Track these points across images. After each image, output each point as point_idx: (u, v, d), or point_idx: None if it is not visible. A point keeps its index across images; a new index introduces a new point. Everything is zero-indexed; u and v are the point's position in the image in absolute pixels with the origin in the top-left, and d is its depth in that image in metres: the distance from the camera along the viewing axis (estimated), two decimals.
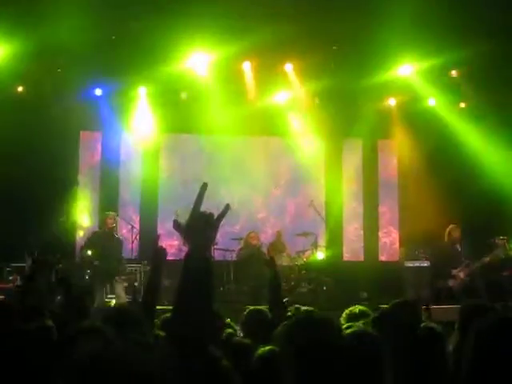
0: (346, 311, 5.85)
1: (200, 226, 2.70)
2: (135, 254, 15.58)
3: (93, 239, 13.24)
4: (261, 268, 13.44)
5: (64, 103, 15.76)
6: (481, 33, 13.89)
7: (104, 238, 13.02)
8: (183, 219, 2.77)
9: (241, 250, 15.66)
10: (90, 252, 12.98)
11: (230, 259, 15.86)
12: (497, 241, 13.74)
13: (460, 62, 15.24)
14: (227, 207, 2.83)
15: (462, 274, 13.42)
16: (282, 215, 18.07)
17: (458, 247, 13.75)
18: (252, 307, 6.47)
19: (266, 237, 16.79)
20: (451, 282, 13.46)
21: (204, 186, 2.77)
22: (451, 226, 13.83)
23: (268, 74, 16.44)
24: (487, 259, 13.39)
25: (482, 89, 15.94)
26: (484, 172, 15.95)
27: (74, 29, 13.20)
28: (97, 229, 14.50)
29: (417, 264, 15.72)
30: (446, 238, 13.82)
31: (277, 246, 16.20)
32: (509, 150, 15.48)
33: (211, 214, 2.75)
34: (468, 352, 2.93)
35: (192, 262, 2.61)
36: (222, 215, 2.78)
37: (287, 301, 10.41)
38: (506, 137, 15.62)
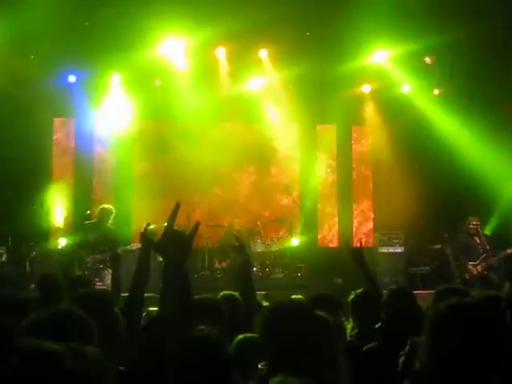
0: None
1: (174, 245, 2.81)
2: None
3: (80, 236, 13.11)
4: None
5: (37, 90, 15.62)
6: (455, 19, 13.93)
7: (95, 231, 12.91)
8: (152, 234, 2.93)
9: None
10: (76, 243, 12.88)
11: (204, 246, 15.86)
12: (470, 225, 13.79)
13: (434, 49, 15.29)
14: (197, 225, 2.94)
15: (479, 268, 13.43)
16: (256, 201, 18.04)
17: (477, 239, 13.75)
18: (225, 292, 6.47)
19: (241, 222, 16.79)
20: (467, 275, 13.47)
21: (177, 206, 2.87)
22: (469, 217, 13.83)
23: (242, 60, 16.43)
24: (509, 252, 13.38)
25: (455, 75, 16.00)
26: (457, 157, 16.01)
27: (47, 15, 13.07)
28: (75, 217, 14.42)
29: (391, 250, 15.81)
30: (465, 229, 13.83)
31: (253, 232, 16.21)
32: (482, 135, 15.55)
33: (183, 233, 2.86)
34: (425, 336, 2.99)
35: (170, 277, 2.74)
36: (192, 234, 2.89)
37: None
38: (478, 123, 15.69)
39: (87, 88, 16.49)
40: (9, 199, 15.00)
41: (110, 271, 12.86)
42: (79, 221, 14.59)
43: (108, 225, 12.92)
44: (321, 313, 3.63)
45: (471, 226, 13.70)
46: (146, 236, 2.96)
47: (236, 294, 6.08)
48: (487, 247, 13.59)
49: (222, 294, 6.20)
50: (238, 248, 6.34)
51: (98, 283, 12.65)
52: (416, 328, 4.69)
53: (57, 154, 17.15)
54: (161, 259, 2.92)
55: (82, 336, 2.91)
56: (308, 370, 3.08)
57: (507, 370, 2.70)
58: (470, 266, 13.43)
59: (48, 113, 16.40)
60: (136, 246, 13.13)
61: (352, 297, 6.21)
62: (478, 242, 13.65)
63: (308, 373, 3.03)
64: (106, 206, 13.36)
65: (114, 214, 13.08)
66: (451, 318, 2.93)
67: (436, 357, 2.89)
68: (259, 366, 3.38)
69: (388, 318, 5.28)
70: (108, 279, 12.71)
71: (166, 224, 2.88)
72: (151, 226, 11.41)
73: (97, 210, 13.33)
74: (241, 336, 4.43)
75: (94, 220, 13.24)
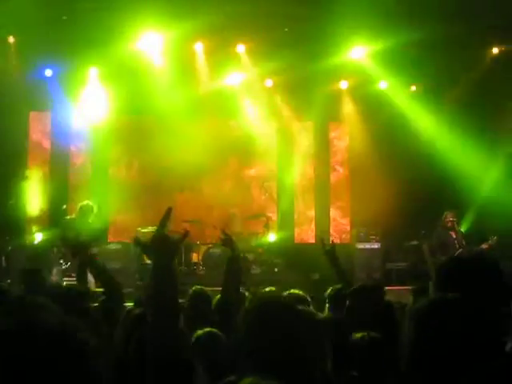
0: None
1: (162, 247, 2.92)
2: None
3: (61, 231, 13.03)
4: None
5: (13, 83, 15.51)
6: (432, 15, 14.00)
7: (75, 226, 12.83)
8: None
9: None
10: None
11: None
12: (447, 220, 13.87)
13: (411, 45, 15.33)
14: (186, 233, 3.08)
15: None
16: (233, 197, 18.02)
17: (453, 234, 13.80)
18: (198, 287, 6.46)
19: (218, 218, 16.81)
20: None
21: (169, 210, 2.98)
22: (445, 213, 13.89)
23: (220, 55, 16.41)
24: (484, 247, 13.44)
25: (432, 71, 16.05)
26: (435, 153, 16.10)
27: (25, 8, 13.00)
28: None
29: (368, 246, 15.87)
30: (441, 224, 13.88)
31: (230, 227, 16.18)
32: (459, 131, 15.64)
33: (171, 237, 2.97)
34: (409, 333, 2.99)
35: (158, 278, 2.83)
36: (180, 239, 3.02)
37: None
38: (456, 119, 15.79)
39: (64, 82, 16.38)
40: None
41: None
42: (56, 216, 14.53)
43: (90, 221, 12.89)
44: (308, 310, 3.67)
45: (447, 221, 13.77)
46: (137, 239, 3.04)
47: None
48: (463, 243, 13.67)
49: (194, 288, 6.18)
50: (226, 241, 6.21)
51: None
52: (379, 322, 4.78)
53: (32, 148, 17.06)
54: (149, 261, 3.08)
55: None
56: (291, 371, 3.07)
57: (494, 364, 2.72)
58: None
59: (24, 106, 16.28)
60: (115, 245, 13.15)
61: (329, 292, 6.24)
62: (455, 237, 13.73)
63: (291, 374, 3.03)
64: (87, 202, 13.32)
65: (95, 211, 13.05)
66: (437, 314, 2.94)
67: (422, 355, 2.90)
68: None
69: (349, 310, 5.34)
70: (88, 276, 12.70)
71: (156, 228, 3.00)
72: (144, 230, 11.44)
73: (78, 206, 13.27)
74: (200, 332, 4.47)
75: (74, 216, 13.19)
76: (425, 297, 3.21)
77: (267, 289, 6.38)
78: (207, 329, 4.66)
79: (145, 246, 3.04)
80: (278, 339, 3.08)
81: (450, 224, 13.80)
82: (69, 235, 12.27)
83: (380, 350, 4.40)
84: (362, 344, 4.42)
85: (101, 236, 13.15)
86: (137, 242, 3.11)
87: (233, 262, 5.91)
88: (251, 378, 2.34)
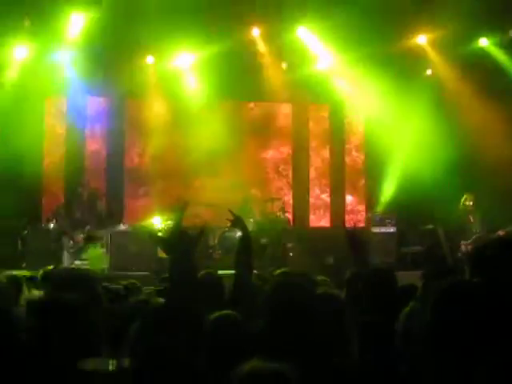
0: None
1: (181, 243, 2.87)
2: None
3: (66, 212, 13.05)
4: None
5: (29, 67, 15.53)
6: None
7: (80, 207, 12.87)
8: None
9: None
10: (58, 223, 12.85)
11: (197, 224, 15.85)
12: (466, 203, 13.82)
13: None
14: (203, 229, 3.04)
15: (470, 248, 13.41)
16: (249, 181, 17.99)
17: (471, 217, 13.75)
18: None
19: (230, 202, 16.81)
20: (461, 254, 13.47)
21: (185, 205, 2.95)
22: (464, 196, 13.84)
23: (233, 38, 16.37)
24: (501, 234, 13.35)
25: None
26: (449, 137, 16.02)
27: None
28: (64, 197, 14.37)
29: (383, 230, 15.83)
30: (460, 207, 13.82)
31: (243, 211, 16.18)
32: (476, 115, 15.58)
33: (189, 234, 2.92)
34: (427, 315, 2.99)
35: (176, 274, 2.81)
36: (199, 236, 2.97)
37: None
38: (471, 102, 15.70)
39: (79, 66, 16.34)
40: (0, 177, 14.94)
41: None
42: (70, 199, 14.60)
43: (98, 205, 12.93)
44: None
45: (467, 204, 13.71)
46: (151, 234, 3.04)
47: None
48: (480, 227, 13.62)
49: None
50: (235, 221, 6.16)
51: (78, 262, 12.73)
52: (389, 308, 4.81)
53: (48, 132, 17.05)
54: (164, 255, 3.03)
55: None
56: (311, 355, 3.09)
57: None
58: (463, 246, 13.45)
59: (39, 91, 16.25)
60: (125, 226, 13.18)
61: (348, 276, 6.23)
62: (472, 220, 13.67)
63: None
64: (84, 182, 13.36)
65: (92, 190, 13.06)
66: (456, 296, 2.94)
67: (439, 336, 2.90)
68: None
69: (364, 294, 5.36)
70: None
71: (170, 222, 2.98)
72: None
73: (87, 191, 13.28)
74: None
75: (84, 199, 13.21)
76: (435, 281, 3.20)
77: (278, 271, 6.34)
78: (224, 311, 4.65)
79: (161, 242, 2.99)
80: (298, 321, 3.10)
81: (468, 206, 13.74)
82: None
83: (384, 334, 4.42)
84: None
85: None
86: (152, 237, 3.08)
87: (243, 243, 5.87)
88: (256, 361, 2.35)
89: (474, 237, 13.43)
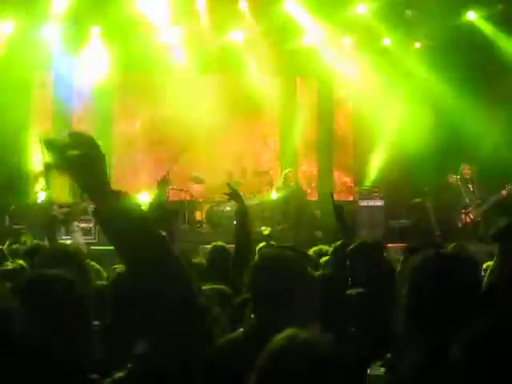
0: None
1: (165, 218, 2.82)
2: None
3: (47, 188, 12.90)
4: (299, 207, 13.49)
5: (17, 42, 15.44)
6: None
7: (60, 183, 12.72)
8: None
9: (278, 189, 15.58)
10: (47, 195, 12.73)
11: (184, 199, 15.90)
12: (450, 179, 13.87)
13: (415, 1, 15.21)
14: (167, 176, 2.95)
15: (472, 215, 13.46)
16: (236, 154, 18.00)
17: (471, 187, 13.78)
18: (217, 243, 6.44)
19: (218, 176, 16.86)
20: (460, 224, 13.53)
21: (166, 182, 2.86)
22: (461, 166, 13.86)
23: (223, 12, 16.27)
24: (496, 199, 13.38)
25: (436, 29, 15.93)
26: (438, 111, 16.02)
27: None
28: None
29: (371, 203, 15.85)
30: (457, 177, 13.84)
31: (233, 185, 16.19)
32: (462, 88, 15.54)
33: (173, 207, 2.87)
34: (405, 287, 3.01)
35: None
36: (177, 213, 2.93)
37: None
38: (458, 76, 15.68)
39: (66, 39, 16.24)
40: None
41: (78, 226, 12.93)
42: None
43: None
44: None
45: (465, 173, 13.75)
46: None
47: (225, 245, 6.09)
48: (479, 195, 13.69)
49: (212, 244, 6.18)
50: (233, 195, 6.25)
51: (65, 237, 12.66)
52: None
53: (35, 105, 16.98)
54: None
55: None
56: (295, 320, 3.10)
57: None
58: (463, 214, 13.50)
59: (27, 65, 16.15)
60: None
61: (331, 249, 6.27)
62: (472, 189, 13.71)
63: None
64: None
65: None
66: (432, 267, 2.96)
67: (417, 312, 2.92)
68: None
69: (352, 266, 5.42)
70: (77, 234, 12.70)
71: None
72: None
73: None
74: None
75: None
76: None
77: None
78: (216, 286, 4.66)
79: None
80: (280, 290, 3.12)
81: (467, 176, 13.79)
82: None
83: (372, 306, 4.46)
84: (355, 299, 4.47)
85: None
86: None
87: (241, 215, 5.95)
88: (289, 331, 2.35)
89: (474, 204, 13.48)
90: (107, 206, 2.42)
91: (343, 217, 6.42)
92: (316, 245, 7.78)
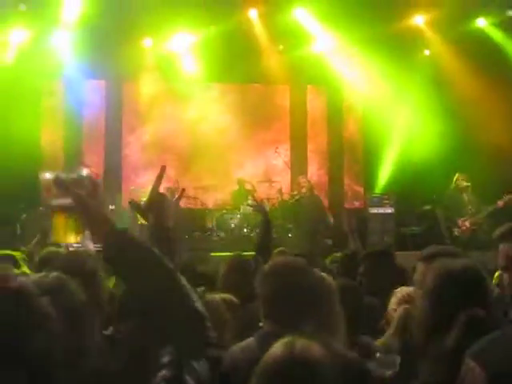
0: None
1: (159, 207, 2.76)
2: None
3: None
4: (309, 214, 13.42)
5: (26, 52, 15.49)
6: None
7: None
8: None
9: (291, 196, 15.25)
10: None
11: (194, 206, 15.91)
12: (459, 182, 13.84)
13: None
14: (182, 192, 2.94)
15: (467, 223, 13.43)
16: (246, 161, 18.04)
17: (465, 196, 13.75)
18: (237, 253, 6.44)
19: (229, 184, 16.91)
20: (457, 232, 13.50)
21: (163, 169, 2.83)
22: (457, 175, 13.82)
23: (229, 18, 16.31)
24: (494, 208, 13.35)
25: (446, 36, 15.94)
26: (449, 117, 16.03)
27: None
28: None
29: (381, 211, 15.83)
30: (452, 186, 13.82)
31: (239, 194, 16.22)
32: (472, 95, 15.54)
33: (166, 196, 2.82)
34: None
35: (155, 239, 2.68)
36: (178, 199, 2.90)
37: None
38: (468, 82, 15.67)
39: (76, 47, 16.26)
40: None
41: (88, 231, 12.90)
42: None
43: None
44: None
45: (459, 183, 13.71)
46: (133, 201, 2.87)
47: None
48: (475, 204, 13.65)
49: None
50: (258, 207, 6.33)
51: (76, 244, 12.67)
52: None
53: (46, 113, 17.00)
54: (142, 220, 2.86)
55: None
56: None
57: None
58: (460, 222, 13.48)
59: (37, 74, 16.19)
60: (110, 207, 13.15)
61: (340, 255, 6.29)
62: (466, 198, 13.68)
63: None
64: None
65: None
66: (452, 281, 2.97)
67: (436, 321, 2.92)
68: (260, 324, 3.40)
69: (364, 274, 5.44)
70: (87, 240, 12.69)
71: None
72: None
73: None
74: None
75: None
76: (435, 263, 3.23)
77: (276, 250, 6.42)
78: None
79: (141, 207, 2.87)
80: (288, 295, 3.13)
81: (463, 185, 13.74)
82: None
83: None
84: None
85: None
86: (133, 204, 2.95)
87: (264, 227, 6.02)
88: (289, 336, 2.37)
89: (470, 213, 13.46)
90: (112, 242, 2.50)
91: (352, 225, 6.45)
92: (326, 253, 7.79)
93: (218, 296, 4.43)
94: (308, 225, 13.61)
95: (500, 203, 13.27)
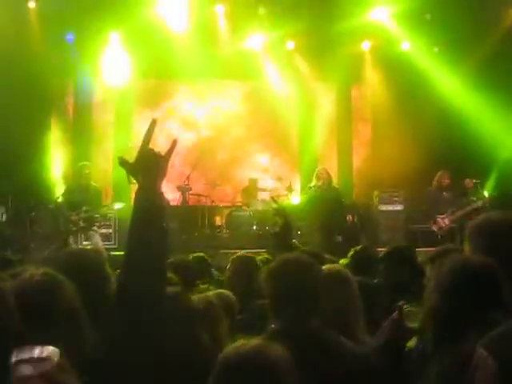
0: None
1: (149, 163, 2.58)
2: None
3: (65, 195, 12.91)
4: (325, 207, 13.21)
5: (34, 50, 15.48)
6: None
7: (79, 189, 12.75)
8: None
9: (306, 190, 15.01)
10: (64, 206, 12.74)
11: (204, 204, 15.90)
12: (467, 183, 13.78)
13: (434, 5, 15.17)
14: (174, 142, 2.69)
15: (446, 221, 13.38)
16: (256, 159, 18.05)
17: (445, 194, 13.69)
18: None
19: (239, 181, 16.92)
20: (435, 227, 13.45)
21: (153, 122, 2.64)
22: (440, 172, 13.75)
23: (241, 17, 16.30)
24: (473, 207, 13.30)
25: (455, 32, 15.87)
26: (457, 114, 15.97)
27: None
28: (71, 179, 14.29)
29: (391, 208, 15.82)
30: (434, 184, 13.76)
31: (249, 191, 16.23)
32: (482, 93, 15.47)
33: (159, 152, 2.63)
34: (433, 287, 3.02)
35: (143, 200, 2.56)
36: (170, 151, 2.65)
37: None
38: (479, 80, 15.62)
39: (85, 46, 16.28)
40: (8, 159, 14.90)
41: (97, 230, 12.95)
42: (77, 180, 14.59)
43: (92, 183, 12.81)
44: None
45: (443, 181, 13.63)
46: (122, 159, 2.61)
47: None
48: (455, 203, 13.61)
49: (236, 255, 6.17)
50: (279, 210, 6.29)
51: (85, 242, 12.69)
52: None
53: (55, 113, 17.03)
54: (133, 181, 2.64)
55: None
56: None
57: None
58: (439, 219, 13.41)
59: (46, 72, 16.20)
60: (119, 205, 13.16)
61: (351, 253, 6.27)
62: (446, 196, 13.60)
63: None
64: (81, 163, 13.25)
65: (90, 171, 12.88)
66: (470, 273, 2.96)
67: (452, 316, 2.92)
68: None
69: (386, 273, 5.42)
70: (96, 238, 12.73)
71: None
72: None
73: (81, 169, 13.06)
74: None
75: (76, 179, 13.09)
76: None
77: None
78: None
79: (130, 165, 2.65)
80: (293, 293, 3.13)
81: (445, 184, 13.67)
82: None
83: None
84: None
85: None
86: (122, 161, 2.69)
87: (284, 231, 5.99)
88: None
89: (449, 211, 13.37)
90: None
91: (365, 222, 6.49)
92: (336, 249, 7.77)
93: (211, 293, 4.43)
94: (323, 220, 13.37)
95: (479, 203, 13.24)
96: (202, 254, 7.10)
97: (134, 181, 2.61)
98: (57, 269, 2.85)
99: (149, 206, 2.54)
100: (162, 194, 2.61)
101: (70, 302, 2.64)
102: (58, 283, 2.68)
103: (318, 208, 13.33)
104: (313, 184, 13.58)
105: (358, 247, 6.32)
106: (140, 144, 2.62)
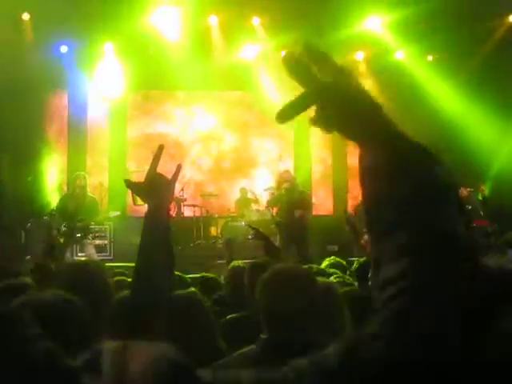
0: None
1: (157, 186, 2.72)
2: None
3: (60, 205, 12.83)
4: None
5: (28, 61, 15.48)
6: None
7: (74, 199, 12.66)
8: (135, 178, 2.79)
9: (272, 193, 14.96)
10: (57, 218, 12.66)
11: (198, 215, 15.90)
12: (461, 191, 13.81)
13: (427, 14, 15.20)
14: (179, 168, 2.86)
15: None
16: (250, 169, 18.06)
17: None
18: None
19: (233, 192, 16.93)
20: None
21: (160, 148, 2.80)
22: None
23: (235, 28, 16.33)
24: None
25: (449, 41, 15.91)
26: (452, 124, 16.00)
27: None
28: (66, 190, 14.27)
29: None
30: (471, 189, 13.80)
31: (242, 202, 16.20)
32: (476, 101, 15.51)
33: (165, 176, 2.78)
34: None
35: (152, 222, 2.70)
36: (175, 175, 2.82)
37: None
38: (473, 89, 15.66)
39: (79, 58, 16.31)
40: (3, 169, 14.90)
41: (91, 241, 12.88)
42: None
43: (88, 193, 12.73)
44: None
45: None
46: (128, 181, 2.75)
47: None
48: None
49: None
50: (257, 234, 6.27)
51: (80, 254, 12.63)
52: None
53: (50, 125, 17.04)
54: (141, 202, 2.81)
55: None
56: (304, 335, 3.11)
57: None
58: None
59: (41, 84, 16.23)
60: (115, 213, 13.14)
61: (356, 266, 6.25)
62: None
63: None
64: (76, 173, 13.17)
65: (86, 181, 12.78)
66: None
67: None
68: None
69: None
70: (90, 250, 12.67)
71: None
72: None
73: (76, 179, 12.99)
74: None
75: (71, 189, 13.02)
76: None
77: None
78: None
79: (137, 187, 2.80)
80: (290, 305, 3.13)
81: (465, 196, 13.70)
82: None
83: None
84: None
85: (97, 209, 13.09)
86: (129, 183, 2.85)
87: (267, 250, 5.98)
88: None
89: None
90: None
91: (356, 231, 6.42)
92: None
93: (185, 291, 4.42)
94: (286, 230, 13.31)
95: (464, 191, 13.26)
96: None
97: (140, 202, 2.78)
98: (62, 284, 2.88)
99: (157, 227, 2.71)
100: (169, 215, 2.82)
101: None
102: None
103: (286, 211, 13.31)
104: (283, 186, 13.55)
105: (361, 259, 6.30)
106: (148, 168, 2.77)
